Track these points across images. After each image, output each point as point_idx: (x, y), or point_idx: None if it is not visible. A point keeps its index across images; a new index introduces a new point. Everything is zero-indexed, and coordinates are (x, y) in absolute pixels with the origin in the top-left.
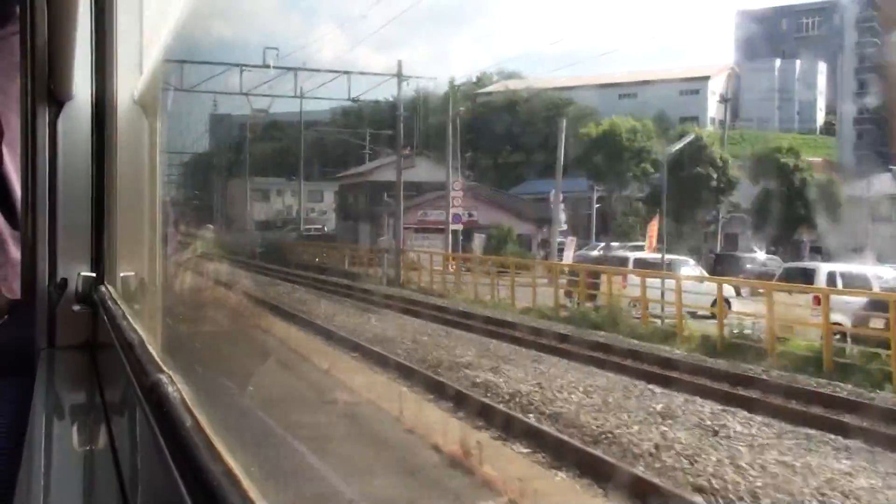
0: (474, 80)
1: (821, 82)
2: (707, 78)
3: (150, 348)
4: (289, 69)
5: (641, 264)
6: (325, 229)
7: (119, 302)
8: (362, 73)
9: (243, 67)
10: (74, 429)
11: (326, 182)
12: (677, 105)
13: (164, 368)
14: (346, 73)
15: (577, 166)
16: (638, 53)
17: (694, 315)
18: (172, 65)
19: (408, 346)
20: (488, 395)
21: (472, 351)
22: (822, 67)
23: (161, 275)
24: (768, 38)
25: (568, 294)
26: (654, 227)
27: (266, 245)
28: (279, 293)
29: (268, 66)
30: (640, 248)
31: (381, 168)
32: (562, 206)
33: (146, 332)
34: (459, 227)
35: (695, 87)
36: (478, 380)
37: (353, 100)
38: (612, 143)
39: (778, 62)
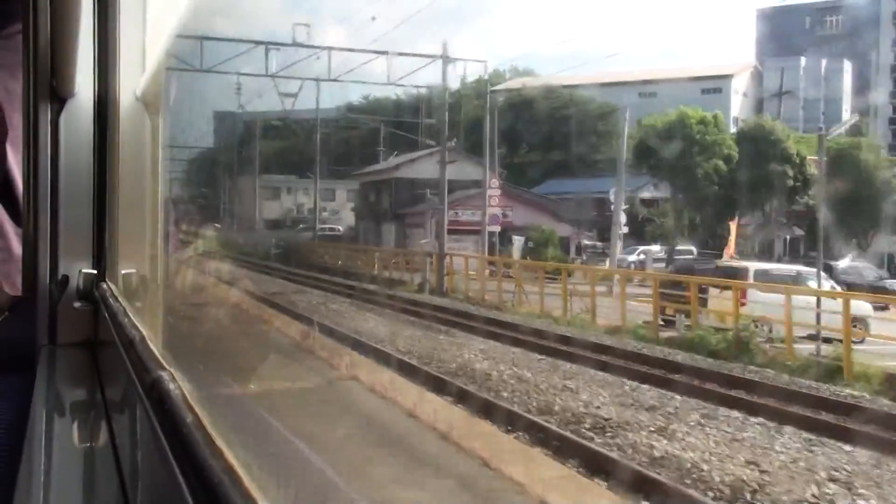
0: (485, 77)
1: (847, 81)
2: (730, 76)
3: (151, 345)
4: (321, 48)
5: (764, 276)
6: (340, 229)
7: (120, 299)
8: (403, 55)
9: (269, 45)
10: (75, 426)
11: (339, 180)
12: (699, 104)
13: (166, 365)
14: (386, 53)
15: (637, 162)
16: (639, 56)
17: (817, 338)
18: (189, 42)
19: (514, 387)
20: (690, 482)
21: (604, 395)
22: (848, 66)
23: (162, 272)
24: (791, 36)
25: (660, 310)
26: (733, 231)
27: (282, 246)
28: (313, 305)
29: (299, 46)
30: (687, 253)
31: (409, 164)
32: (623, 206)
33: (147, 329)
34: (497, 228)
35: (717, 85)
36: (655, 453)
37: (394, 84)
38: (681, 135)
39: (802, 60)
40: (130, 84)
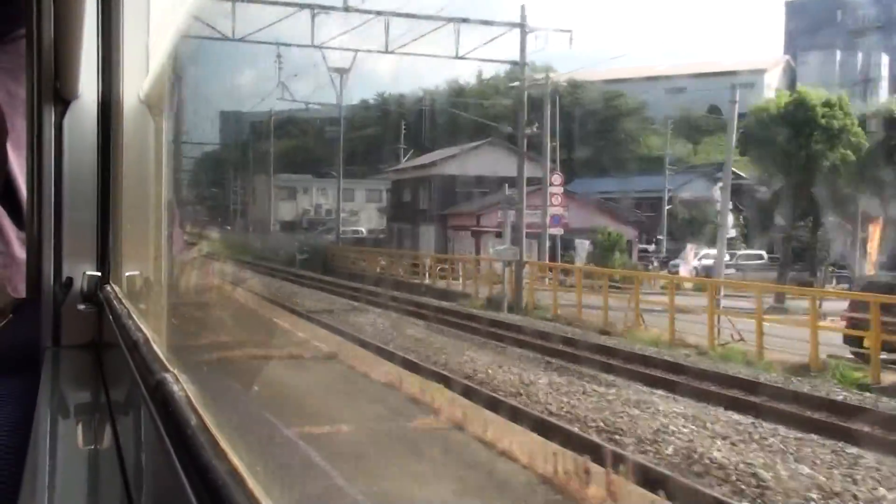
0: (502, 73)
1: (885, 76)
2: (763, 71)
3: (156, 347)
4: (378, 14)
5: None
6: (364, 231)
7: (124, 301)
8: (478, 23)
9: (316, 10)
10: (79, 427)
11: (359, 179)
12: (729, 100)
13: (170, 367)
14: (457, 20)
15: (746, 150)
16: (642, 57)
17: None
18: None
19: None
20: None
21: None
22: (886, 60)
23: (167, 274)
24: (822, 31)
25: (854, 341)
26: (875, 235)
27: (308, 250)
28: (383, 330)
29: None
30: (756, 258)
31: (451, 159)
32: (729, 205)
33: (151, 331)
34: (559, 230)
35: (749, 80)
36: None
37: (462, 57)
38: (802, 120)
39: (838, 54)
40: (134, 86)
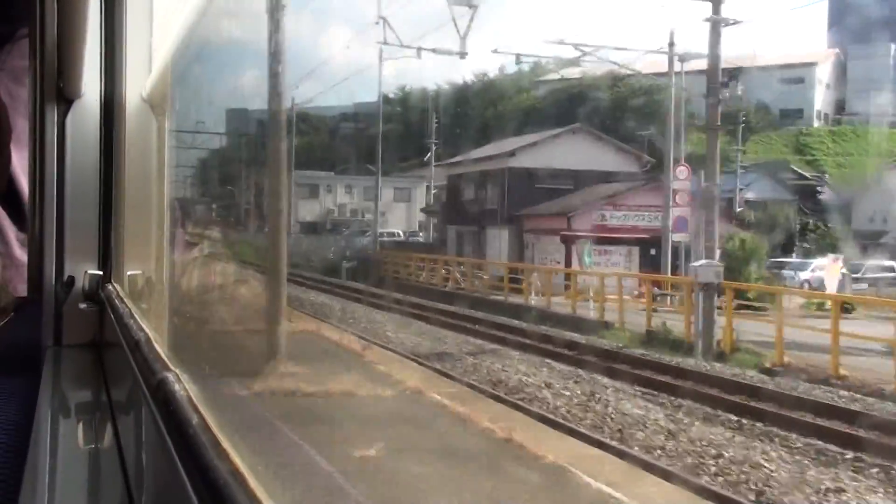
0: (526, 68)
1: None
2: (814, 64)
3: (157, 346)
4: None
5: None
6: (401, 234)
7: (126, 300)
8: None
9: None
10: (80, 427)
11: (384, 176)
12: (778, 95)
13: (171, 366)
14: None
15: None
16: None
17: None
18: None
19: None
20: None
21: None
22: None
23: (168, 274)
24: (868, 22)
25: None
26: None
27: (356, 258)
28: (565, 396)
29: None
30: (889, 270)
31: (529, 149)
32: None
33: (153, 330)
34: (685, 237)
35: (799, 74)
36: None
37: None
38: None
39: (893, 47)
40: (137, 85)
